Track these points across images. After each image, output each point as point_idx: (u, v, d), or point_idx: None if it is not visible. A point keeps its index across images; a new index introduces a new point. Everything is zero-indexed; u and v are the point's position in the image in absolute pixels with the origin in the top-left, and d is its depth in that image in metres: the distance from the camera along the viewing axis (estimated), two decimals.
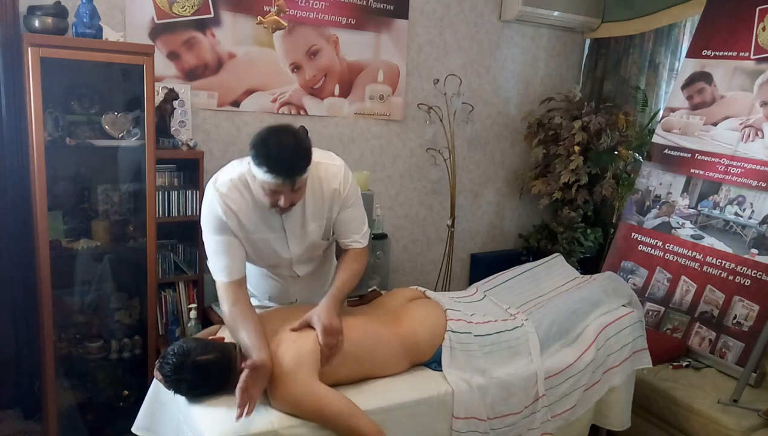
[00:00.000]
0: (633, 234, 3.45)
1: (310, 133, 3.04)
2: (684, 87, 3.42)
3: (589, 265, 3.85)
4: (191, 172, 2.80)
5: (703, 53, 3.36)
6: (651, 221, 3.40)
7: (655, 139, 3.51)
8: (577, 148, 3.74)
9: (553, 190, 3.88)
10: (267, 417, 1.69)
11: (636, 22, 3.83)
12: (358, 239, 2.04)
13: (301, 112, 3.33)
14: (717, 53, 3.30)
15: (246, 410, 1.60)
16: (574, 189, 3.83)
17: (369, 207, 2.83)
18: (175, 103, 2.76)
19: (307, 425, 1.70)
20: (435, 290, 2.35)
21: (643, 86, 3.96)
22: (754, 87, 3.12)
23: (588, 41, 4.29)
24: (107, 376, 2.72)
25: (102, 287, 2.68)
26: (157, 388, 1.91)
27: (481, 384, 1.97)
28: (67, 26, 2.42)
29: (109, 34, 2.48)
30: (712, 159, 3.20)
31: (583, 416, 2.24)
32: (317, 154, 1.86)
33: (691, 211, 3.24)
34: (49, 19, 2.36)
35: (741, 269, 2.95)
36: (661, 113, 3.67)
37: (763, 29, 3.12)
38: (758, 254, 2.91)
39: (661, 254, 3.29)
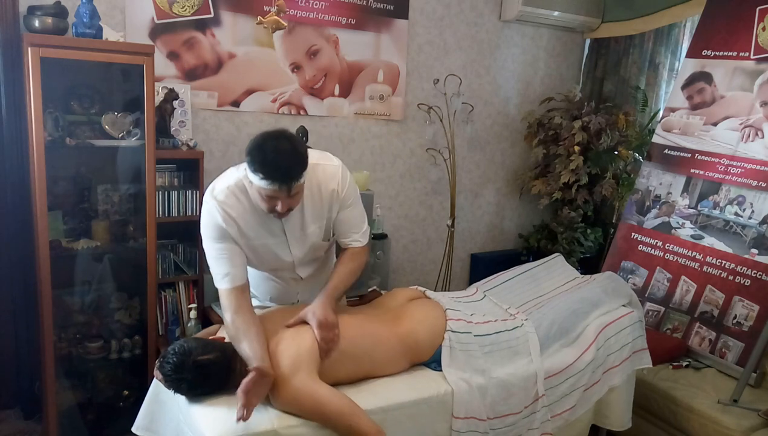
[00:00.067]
0: (633, 234, 3.45)
1: (310, 133, 3.09)
2: (684, 87, 3.42)
3: (589, 265, 3.85)
4: (191, 172, 2.80)
5: (703, 53, 3.36)
6: (651, 221, 3.40)
7: (655, 139, 3.51)
8: (577, 148, 3.74)
9: (553, 190, 3.88)
10: (267, 417, 1.69)
11: (636, 22, 3.83)
12: (357, 237, 2.04)
13: (301, 112, 3.33)
14: (717, 53, 3.30)
15: (244, 414, 1.59)
16: (574, 189, 3.83)
17: (369, 207, 2.83)
18: (175, 103, 2.76)
19: (308, 425, 1.70)
20: (435, 290, 2.35)
21: (643, 86, 3.96)
22: (754, 87, 3.12)
23: (588, 41, 4.29)
24: (107, 376, 2.72)
25: (102, 287, 2.68)
26: (157, 388, 1.91)
27: (480, 384, 1.97)
28: (67, 26, 2.42)
29: (109, 34, 2.48)
30: (712, 159, 3.20)
31: (583, 416, 2.24)
32: (314, 156, 1.86)
33: (691, 211, 3.24)
34: (49, 19, 2.36)
35: (741, 269, 2.95)
36: (661, 113, 3.67)
37: (763, 29, 3.12)
38: (758, 254, 2.91)
39: (661, 254, 3.29)
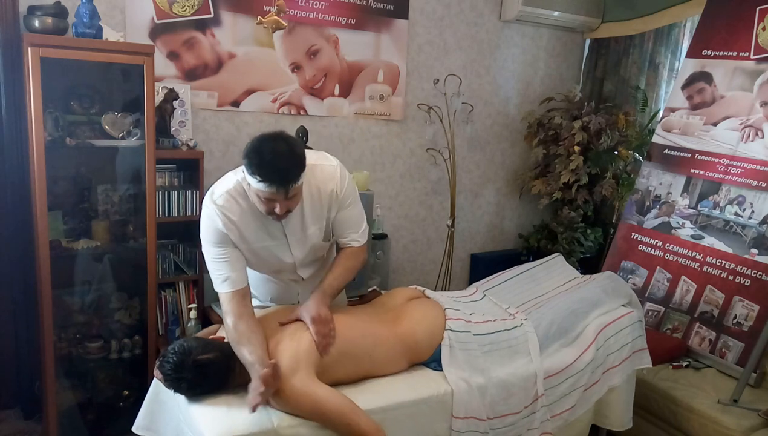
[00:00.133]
0: (633, 234, 3.45)
1: (310, 134, 3.09)
2: (684, 87, 3.42)
3: (589, 265, 3.85)
4: (191, 172, 2.80)
5: (703, 53, 3.36)
6: (651, 221, 3.40)
7: (655, 139, 3.51)
8: (577, 148, 3.74)
9: (553, 190, 3.88)
10: (267, 416, 1.69)
11: (636, 22, 3.83)
12: (355, 237, 2.04)
13: (301, 112, 3.33)
14: (717, 53, 3.30)
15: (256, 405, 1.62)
16: (574, 189, 3.83)
17: (369, 207, 2.83)
18: (175, 103, 2.76)
19: (308, 425, 1.70)
20: (435, 290, 2.35)
21: (643, 86, 3.96)
22: (754, 87, 3.12)
23: (588, 41, 4.29)
24: (107, 376, 2.72)
25: (102, 287, 2.68)
26: (157, 387, 1.92)
27: (480, 384, 1.97)
28: (67, 26, 2.42)
29: (109, 34, 2.48)
30: (712, 159, 3.20)
31: (583, 416, 2.24)
32: (312, 157, 1.86)
33: (691, 211, 3.24)
34: (49, 19, 2.36)
35: (741, 269, 2.95)
36: (661, 113, 3.67)
37: (763, 29, 3.12)
38: (758, 254, 2.91)
39: (661, 254, 3.29)
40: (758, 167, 3.01)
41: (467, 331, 2.04)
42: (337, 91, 3.41)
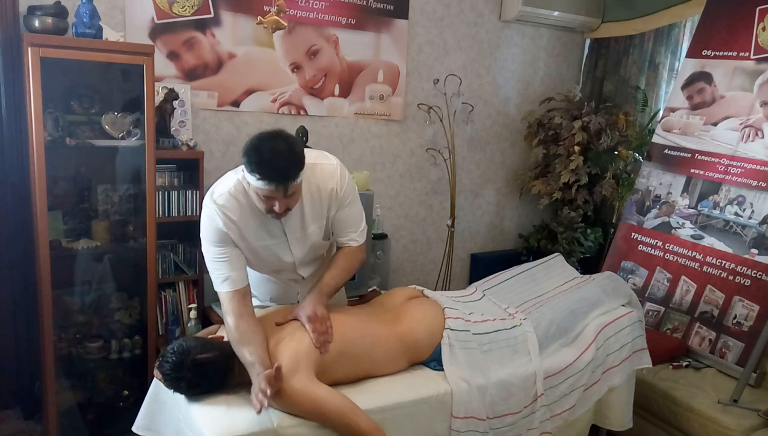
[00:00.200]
0: (633, 234, 3.45)
1: (310, 133, 3.09)
2: (684, 87, 3.42)
3: (589, 265, 3.85)
4: (191, 172, 2.80)
5: (703, 53, 3.36)
6: (651, 221, 3.40)
7: (655, 139, 3.51)
8: (577, 148, 3.74)
9: (553, 190, 3.88)
10: (267, 416, 1.69)
11: (636, 22, 3.83)
12: (354, 236, 2.04)
13: (301, 112, 3.33)
14: (717, 53, 3.30)
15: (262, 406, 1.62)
16: (574, 189, 3.83)
17: (369, 207, 2.83)
18: (175, 103, 2.76)
19: (307, 425, 1.70)
20: (435, 290, 2.35)
21: (643, 86, 3.96)
22: (754, 87, 3.12)
23: (588, 41, 4.29)
24: (107, 376, 2.73)
25: (102, 287, 2.69)
26: (157, 387, 1.92)
27: (480, 384, 1.97)
28: (67, 26, 2.42)
29: (109, 34, 2.48)
30: (712, 159, 3.20)
31: (583, 416, 2.24)
32: (311, 155, 1.86)
33: (691, 211, 3.24)
34: (49, 19, 2.36)
35: (741, 269, 2.95)
36: (661, 113, 3.67)
37: (763, 29, 3.12)
38: (758, 254, 2.91)
39: (661, 254, 3.29)
40: (758, 167, 3.01)
41: (466, 330, 2.04)
42: (337, 91, 3.41)
